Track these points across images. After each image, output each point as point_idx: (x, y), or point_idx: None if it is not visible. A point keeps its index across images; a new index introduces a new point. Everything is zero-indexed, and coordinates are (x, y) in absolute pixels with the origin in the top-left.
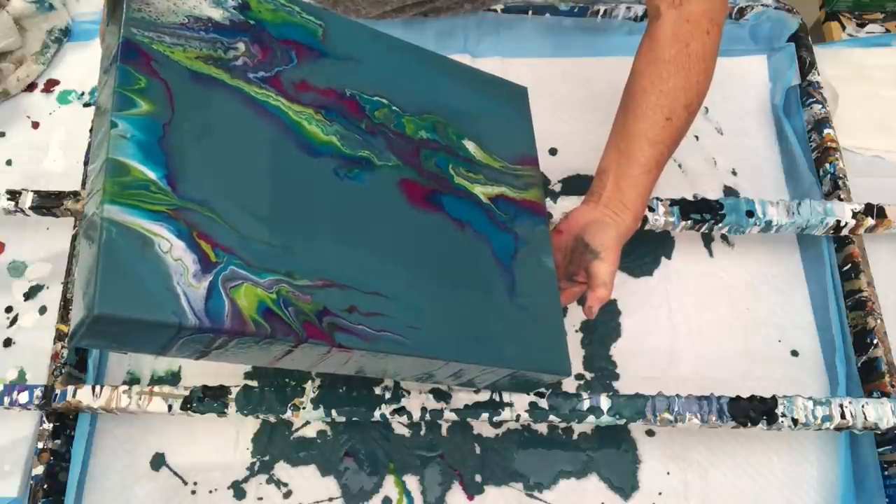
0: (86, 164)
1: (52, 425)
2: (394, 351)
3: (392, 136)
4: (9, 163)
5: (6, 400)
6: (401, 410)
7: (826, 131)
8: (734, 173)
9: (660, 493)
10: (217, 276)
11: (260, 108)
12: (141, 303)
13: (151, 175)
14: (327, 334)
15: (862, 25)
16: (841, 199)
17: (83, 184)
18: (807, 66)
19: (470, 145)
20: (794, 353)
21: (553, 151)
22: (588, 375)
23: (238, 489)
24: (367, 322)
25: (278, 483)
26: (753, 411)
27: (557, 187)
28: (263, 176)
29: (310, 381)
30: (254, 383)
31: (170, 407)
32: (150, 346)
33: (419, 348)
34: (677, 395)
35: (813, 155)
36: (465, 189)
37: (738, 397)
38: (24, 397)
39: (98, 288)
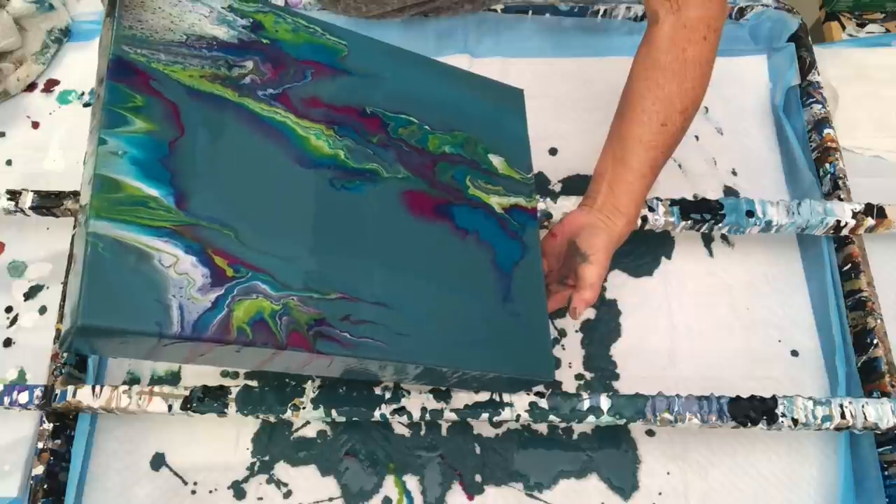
0: (85, 164)
1: (52, 425)
2: (372, 357)
3: (407, 149)
4: (9, 163)
5: (6, 400)
6: (401, 410)
7: (826, 131)
8: (734, 173)
9: (660, 493)
10: (230, 289)
11: (265, 125)
12: (124, 313)
13: (152, 192)
14: (309, 342)
15: (862, 25)
16: (841, 199)
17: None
18: (807, 66)
19: (496, 159)
20: (794, 353)
21: (553, 151)
22: (588, 375)
23: (238, 489)
24: (352, 329)
25: (278, 483)
26: (753, 411)
27: (557, 187)
28: (269, 191)
29: (310, 381)
30: (254, 383)
31: (170, 407)
32: (137, 353)
33: (399, 354)
34: (677, 395)
35: (813, 155)
36: (480, 200)
37: (738, 397)
38: (24, 397)
39: (82, 300)
